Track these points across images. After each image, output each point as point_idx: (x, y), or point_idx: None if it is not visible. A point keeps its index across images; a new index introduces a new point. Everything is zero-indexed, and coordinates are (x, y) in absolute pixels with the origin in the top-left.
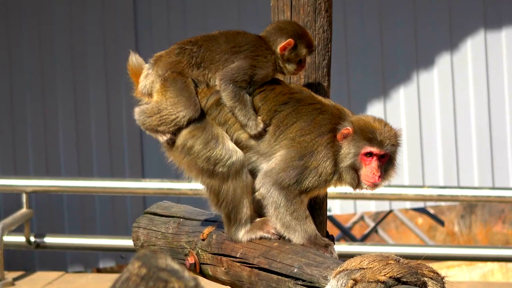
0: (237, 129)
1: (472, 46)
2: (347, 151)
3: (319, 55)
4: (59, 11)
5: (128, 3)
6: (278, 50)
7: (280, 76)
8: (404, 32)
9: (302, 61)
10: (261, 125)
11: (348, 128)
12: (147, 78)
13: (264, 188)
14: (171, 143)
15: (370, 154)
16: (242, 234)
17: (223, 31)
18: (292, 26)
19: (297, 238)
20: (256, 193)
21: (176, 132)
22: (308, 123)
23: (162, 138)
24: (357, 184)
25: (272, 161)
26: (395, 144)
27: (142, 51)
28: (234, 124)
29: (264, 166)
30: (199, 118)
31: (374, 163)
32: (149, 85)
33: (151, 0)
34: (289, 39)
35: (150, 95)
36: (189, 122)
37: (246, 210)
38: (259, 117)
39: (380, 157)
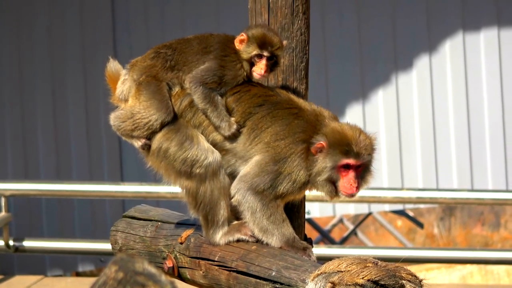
0: (212, 131)
1: (451, 48)
2: (323, 165)
3: (296, 57)
4: (38, 17)
5: (106, 10)
6: (237, 45)
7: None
8: (382, 34)
9: (255, 63)
10: (235, 126)
11: (322, 142)
12: (124, 83)
13: (239, 193)
14: (147, 148)
15: (347, 166)
16: (220, 236)
17: (198, 34)
18: (257, 26)
19: (275, 241)
20: (232, 200)
21: (150, 137)
22: (283, 127)
23: (138, 144)
24: (334, 195)
25: (247, 165)
26: (371, 153)
27: (120, 57)
28: (209, 126)
29: (242, 169)
30: (173, 121)
31: (351, 174)
32: (126, 91)
33: (129, 7)
34: (242, 33)
35: (127, 100)
36: (163, 126)
37: (223, 211)
38: (232, 119)
39: (357, 168)
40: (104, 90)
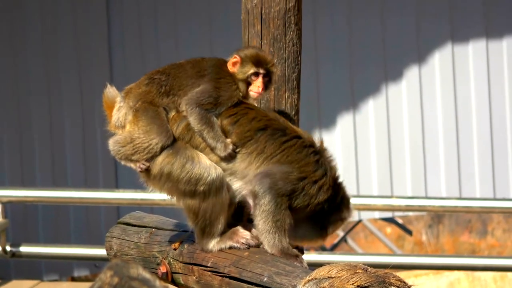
0: (209, 153)
1: (440, 59)
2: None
3: (288, 68)
4: (33, 29)
5: (102, 28)
6: (230, 68)
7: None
8: (373, 45)
9: (252, 82)
10: (230, 147)
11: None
12: (119, 110)
13: (260, 187)
14: (145, 171)
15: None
16: (213, 244)
17: (189, 59)
18: (248, 47)
19: (271, 247)
20: (250, 188)
21: (150, 161)
22: (302, 158)
23: (136, 167)
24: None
25: (270, 166)
26: None
27: (115, 66)
28: (206, 148)
29: (239, 184)
30: (172, 144)
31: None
32: (122, 118)
33: (124, 26)
34: (235, 55)
35: (123, 127)
36: (163, 149)
37: (221, 226)
38: (228, 140)
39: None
40: (99, 99)
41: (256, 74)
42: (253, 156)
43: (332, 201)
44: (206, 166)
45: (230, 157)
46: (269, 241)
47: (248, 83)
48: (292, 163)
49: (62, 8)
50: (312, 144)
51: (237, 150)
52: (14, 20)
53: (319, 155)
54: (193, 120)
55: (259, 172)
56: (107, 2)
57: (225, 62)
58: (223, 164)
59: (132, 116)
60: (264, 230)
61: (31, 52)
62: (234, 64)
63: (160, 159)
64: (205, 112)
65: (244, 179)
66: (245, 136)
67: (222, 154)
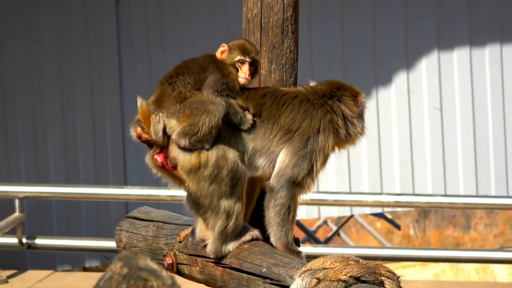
0: (239, 137)
1: (427, 66)
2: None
3: (286, 73)
4: (46, 29)
5: (111, 31)
6: (218, 56)
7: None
8: (364, 52)
9: (239, 68)
10: (251, 117)
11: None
12: (158, 123)
13: (277, 183)
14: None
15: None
16: (232, 245)
17: (183, 60)
18: (235, 39)
19: (277, 240)
20: (267, 182)
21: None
22: (296, 112)
23: (249, 118)
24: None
25: (281, 159)
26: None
27: (123, 62)
28: (235, 134)
29: (261, 161)
30: (220, 146)
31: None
32: (160, 130)
33: (131, 30)
34: (223, 44)
35: (165, 136)
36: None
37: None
38: (246, 112)
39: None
40: (109, 100)
41: (242, 61)
42: (266, 124)
43: (343, 119)
44: (244, 167)
45: (251, 127)
46: (276, 234)
47: (236, 70)
48: (291, 131)
49: (73, 10)
50: (296, 94)
51: (256, 119)
52: (28, 20)
53: (307, 101)
54: None
55: (276, 173)
56: (116, 7)
57: (214, 55)
58: (251, 143)
59: (183, 115)
60: (274, 222)
61: (44, 52)
62: (222, 52)
63: (214, 158)
64: (224, 97)
65: (267, 152)
66: (258, 106)
67: (246, 126)
